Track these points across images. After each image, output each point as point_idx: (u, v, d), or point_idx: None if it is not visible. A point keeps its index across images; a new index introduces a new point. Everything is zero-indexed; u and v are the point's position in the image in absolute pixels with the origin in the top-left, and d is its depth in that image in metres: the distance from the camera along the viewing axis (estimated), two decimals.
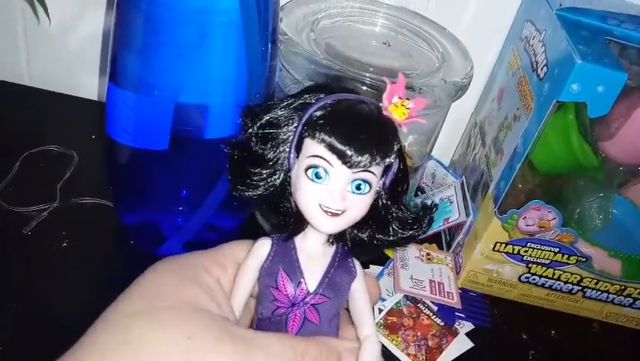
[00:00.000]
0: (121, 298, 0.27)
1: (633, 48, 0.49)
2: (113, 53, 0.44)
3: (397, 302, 0.54)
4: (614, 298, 0.57)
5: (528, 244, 0.53)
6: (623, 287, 0.56)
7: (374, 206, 0.27)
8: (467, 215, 0.58)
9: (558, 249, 0.53)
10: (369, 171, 0.25)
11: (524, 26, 0.56)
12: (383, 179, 0.27)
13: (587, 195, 0.53)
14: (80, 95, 0.71)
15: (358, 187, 0.26)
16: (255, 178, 0.27)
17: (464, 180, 0.63)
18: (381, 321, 0.52)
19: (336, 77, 0.47)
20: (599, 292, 0.56)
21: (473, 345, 0.52)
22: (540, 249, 0.53)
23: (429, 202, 0.29)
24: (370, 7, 0.58)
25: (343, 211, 0.26)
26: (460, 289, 0.57)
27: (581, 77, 0.43)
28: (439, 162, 0.67)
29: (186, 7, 0.40)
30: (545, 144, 0.48)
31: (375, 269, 0.57)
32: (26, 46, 0.69)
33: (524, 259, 0.55)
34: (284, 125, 0.27)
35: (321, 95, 0.26)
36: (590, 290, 0.56)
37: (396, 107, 0.26)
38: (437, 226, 0.60)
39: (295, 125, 0.26)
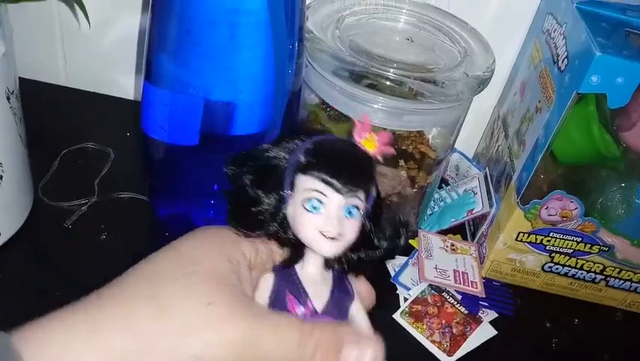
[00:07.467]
0: (157, 254, 0.29)
1: None
2: (148, 53, 0.46)
3: (422, 291, 0.55)
4: (637, 287, 0.57)
5: (551, 234, 0.54)
6: None
7: (362, 229, 0.31)
8: (491, 206, 0.59)
9: (580, 238, 0.54)
10: (357, 197, 0.29)
11: (545, 19, 0.57)
12: (366, 204, 0.31)
13: (609, 186, 0.53)
14: (114, 95, 0.73)
15: (350, 212, 0.29)
16: (260, 217, 0.30)
17: (487, 172, 0.64)
18: (407, 309, 0.53)
19: (361, 73, 0.48)
20: (622, 281, 0.57)
21: (497, 333, 0.53)
22: (563, 238, 0.54)
23: (403, 219, 0.33)
24: (393, 4, 0.60)
25: (340, 235, 0.29)
26: (483, 278, 0.58)
27: (601, 69, 0.44)
28: (462, 154, 0.68)
29: (217, 8, 0.42)
30: (567, 135, 0.49)
31: (400, 260, 0.58)
32: (63, 47, 0.72)
33: (547, 248, 0.55)
34: (274, 169, 0.30)
35: (302, 139, 0.31)
36: (613, 279, 0.57)
37: (367, 141, 0.31)
38: (461, 217, 0.61)
39: (285, 167, 0.30)
